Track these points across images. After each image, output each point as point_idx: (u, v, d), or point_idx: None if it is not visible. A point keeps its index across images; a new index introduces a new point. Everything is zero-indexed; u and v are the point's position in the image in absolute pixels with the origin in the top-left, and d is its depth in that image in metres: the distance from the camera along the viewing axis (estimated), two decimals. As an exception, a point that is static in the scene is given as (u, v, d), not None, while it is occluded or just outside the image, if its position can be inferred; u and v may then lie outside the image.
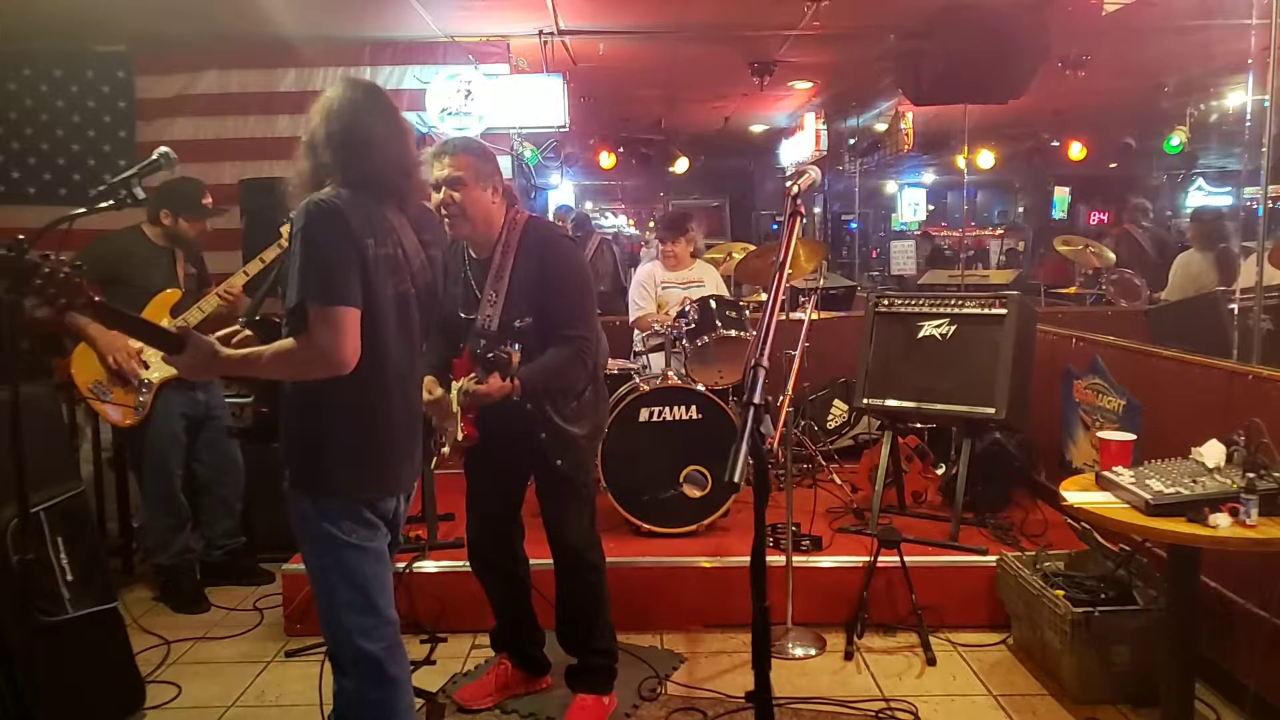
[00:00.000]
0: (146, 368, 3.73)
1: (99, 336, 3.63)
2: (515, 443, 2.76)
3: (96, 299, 1.91)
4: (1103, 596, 3.10)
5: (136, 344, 3.68)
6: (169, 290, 3.80)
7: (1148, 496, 2.41)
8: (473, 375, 2.56)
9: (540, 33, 5.62)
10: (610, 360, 4.31)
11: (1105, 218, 13.81)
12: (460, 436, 2.59)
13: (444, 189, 2.63)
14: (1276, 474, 2.40)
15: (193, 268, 4.00)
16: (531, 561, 3.10)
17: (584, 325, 2.72)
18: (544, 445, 2.75)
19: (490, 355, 2.52)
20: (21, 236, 1.83)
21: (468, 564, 3.66)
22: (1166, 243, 8.41)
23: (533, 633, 3.12)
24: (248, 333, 2.19)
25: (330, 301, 1.96)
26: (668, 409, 3.97)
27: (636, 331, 4.95)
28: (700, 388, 4.06)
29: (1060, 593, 3.12)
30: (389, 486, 2.20)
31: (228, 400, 4.17)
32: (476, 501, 3.01)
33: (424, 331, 2.30)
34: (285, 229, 2.94)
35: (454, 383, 2.61)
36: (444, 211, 2.65)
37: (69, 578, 2.83)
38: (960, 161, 9.11)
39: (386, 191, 2.14)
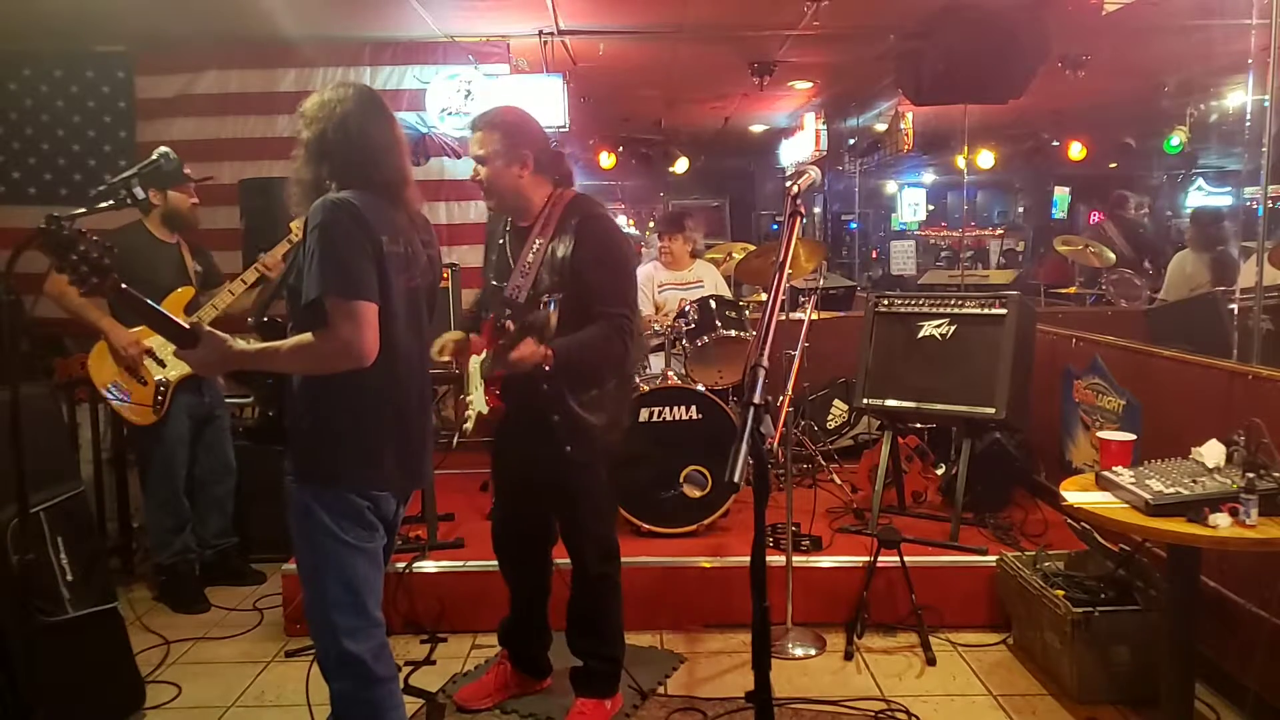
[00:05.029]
0: (164, 366, 3.74)
1: (111, 330, 3.65)
2: (533, 428, 2.70)
3: (123, 284, 1.93)
4: (1103, 596, 3.10)
5: (148, 341, 3.69)
6: (182, 289, 3.81)
7: (1148, 496, 2.41)
8: (502, 343, 2.46)
9: (540, 33, 5.62)
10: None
11: (1102, 217, 13.79)
12: (485, 409, 2.55)
13: (474, 164, 2.67)
14: (1276, 474, 2.40)
15: (199, 265, 3.99)
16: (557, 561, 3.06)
17: (622, 303, 2.64)
18: (555, 427, 2.66)
19: (526, 321, 2.37)
20: (57, 214, 1.85)
21: (467, 564, 3.68)
22: (1142, 232, 8.23)
23: (540, 634, 3.11)
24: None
25: (351, 295, 1.98)
26: (668, 409, 3.96)
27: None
28: (700, 388, 4.06)
29: (1060, 593, 3.12)
30: (397, 484, 2.20)
31: (227, 401, 4.17)
32: (499, 489, 3.03)
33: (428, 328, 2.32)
34: (295, 224, 2.92)
35: (474, 356, 2.58)
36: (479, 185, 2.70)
37: (69, 578, 2.83)
38: (960, 161, 9.10)
39: (392, 194, 2.17)
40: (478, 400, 2.53)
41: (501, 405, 2.63)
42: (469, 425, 2.59)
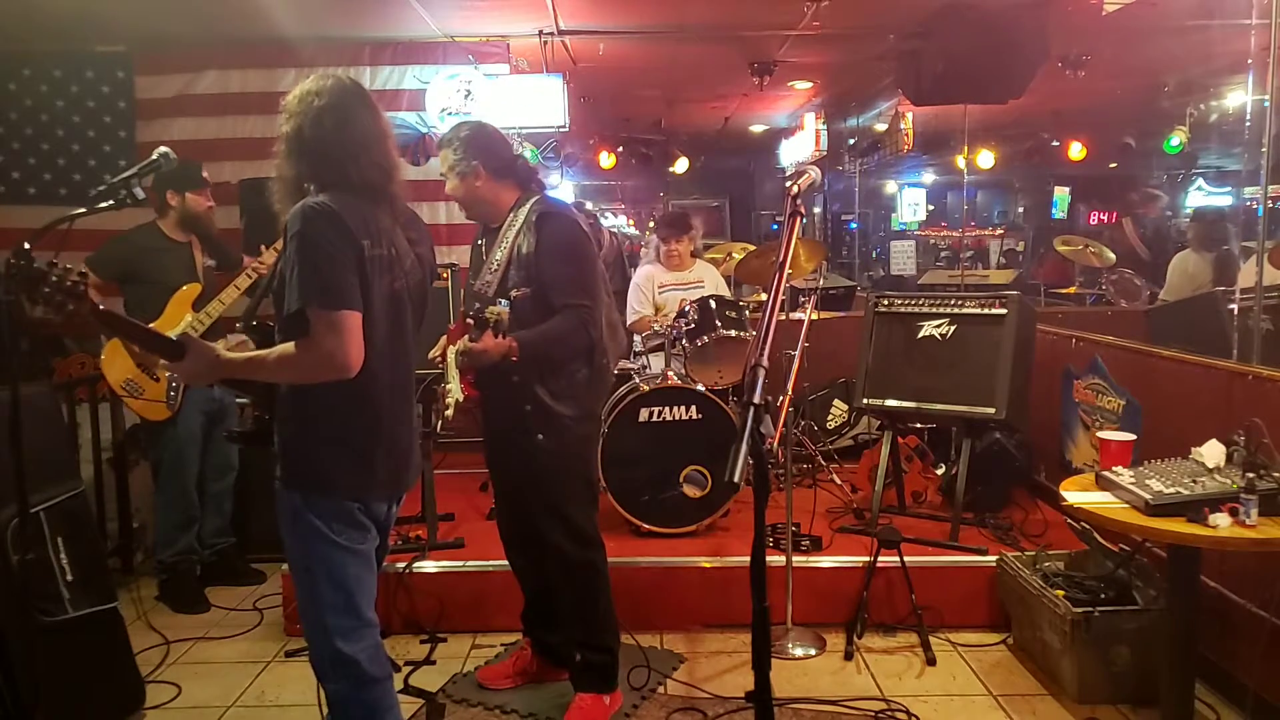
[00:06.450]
0: None
1: None
2: (508, 419, 2.80)
3: (100, 305, 1.92)
4: (1103, 596, 3.10)
5: None
6: (189, 285, 3.81)
7: (1148, 496, 2.41)
8: (469, 335, 2.59)
9: (540, 33, 5.61)
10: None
11: (1105, 217, 13.79)
12: (461, 397, 2.63)
13: None
14: (1276, 474, 2.40)
15: (211, 258, 4.00)
16: None
17: (583, 294, 2.76)
18: (526, 417, 2.76)
19: (480, 314, 2.55)
20: (27, 245, 1.84)
21: (467, 564, 3.68)
22: (1144, 233, 8.19)
23: (555, 624, 3.11)
24: (244, 338, 2.19)
25: (332, 306, 1.96)
26: (668, 409, 3.97)
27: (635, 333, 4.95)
28: (700, 388, 4.06)
29: (1060, 593, 3.12)
30: (384, 488, 2.19)
31: (237, 401, 4.18)
32: (495, 487, 3.12)
33: (415, 329, 2.30)
34: None
35: (450, 347, 2.65)
36: None
37: (69, 578, 2.83)
38: (960, 161, 9.10)
39: (374, 194, 2.13)
40: (455, 389, 2.62)
41: (476, 393, 2.77)
42: (449, 413, 2.66)
